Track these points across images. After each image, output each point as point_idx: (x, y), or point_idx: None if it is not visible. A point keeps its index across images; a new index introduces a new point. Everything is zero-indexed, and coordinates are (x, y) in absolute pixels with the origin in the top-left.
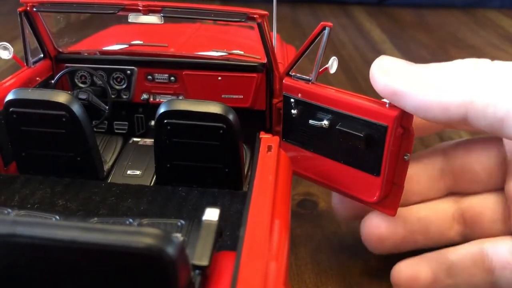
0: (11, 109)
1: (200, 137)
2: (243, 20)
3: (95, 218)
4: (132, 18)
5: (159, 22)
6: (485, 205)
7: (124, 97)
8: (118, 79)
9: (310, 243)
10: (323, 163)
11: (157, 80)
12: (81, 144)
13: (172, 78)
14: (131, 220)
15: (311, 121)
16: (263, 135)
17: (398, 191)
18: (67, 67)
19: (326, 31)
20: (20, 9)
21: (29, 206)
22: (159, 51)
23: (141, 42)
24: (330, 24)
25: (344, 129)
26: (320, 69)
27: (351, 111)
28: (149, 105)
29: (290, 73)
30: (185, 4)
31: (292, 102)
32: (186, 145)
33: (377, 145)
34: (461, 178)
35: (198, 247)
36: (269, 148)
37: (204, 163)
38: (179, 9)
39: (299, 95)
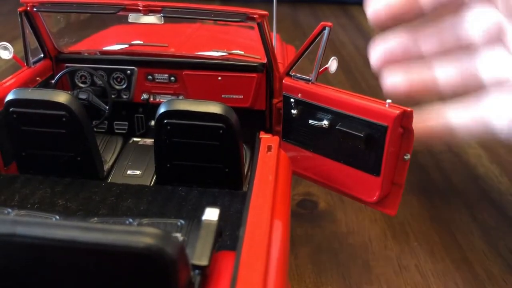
0: (11, 109)
1: (200, 137)
2: (243, 20)
3: (95, 218)
4: (132, 18)
5: (159, 22)
6: None
7: (124, 97)
8: (118, 79)
9: (310, 243)
10: (323, 163)
11: (157, 80)
12: (81, 144)
13: (172, 78)
14: (131, 220)
15: (311, 121)
16: (263, 135)
17: (398, 191)
18: (67, 67)
19: (326, 31)
20: (20, 9)
21: (29, 206)
22: (159, 51)
23: (141, 42)
24: (330, 24)
25: (344, 129)
26: (320, 69)
27: (351, 111)
28: (149, 105)
29: (290, 73)
30: (185, 4)
31: (292, 102)
32: (186, 145)
33: (377, 145)
34: None
35: (198, 247)
36: (269, 148)
37: (204, 163)
38: (179, 9)
39: (299, 95)
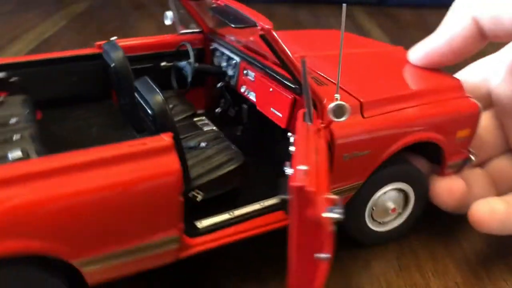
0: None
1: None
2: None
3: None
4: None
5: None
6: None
7: (232, 83)
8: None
9: None
10: None
11: (248, 77)
12: (127, 96)
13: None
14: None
15: None
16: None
17: None
18: (212, 44)
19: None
20: None
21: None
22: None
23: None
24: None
25: None
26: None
27: None
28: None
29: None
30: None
31: None
32: None
33: None
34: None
35: None
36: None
37: None
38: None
39: None
